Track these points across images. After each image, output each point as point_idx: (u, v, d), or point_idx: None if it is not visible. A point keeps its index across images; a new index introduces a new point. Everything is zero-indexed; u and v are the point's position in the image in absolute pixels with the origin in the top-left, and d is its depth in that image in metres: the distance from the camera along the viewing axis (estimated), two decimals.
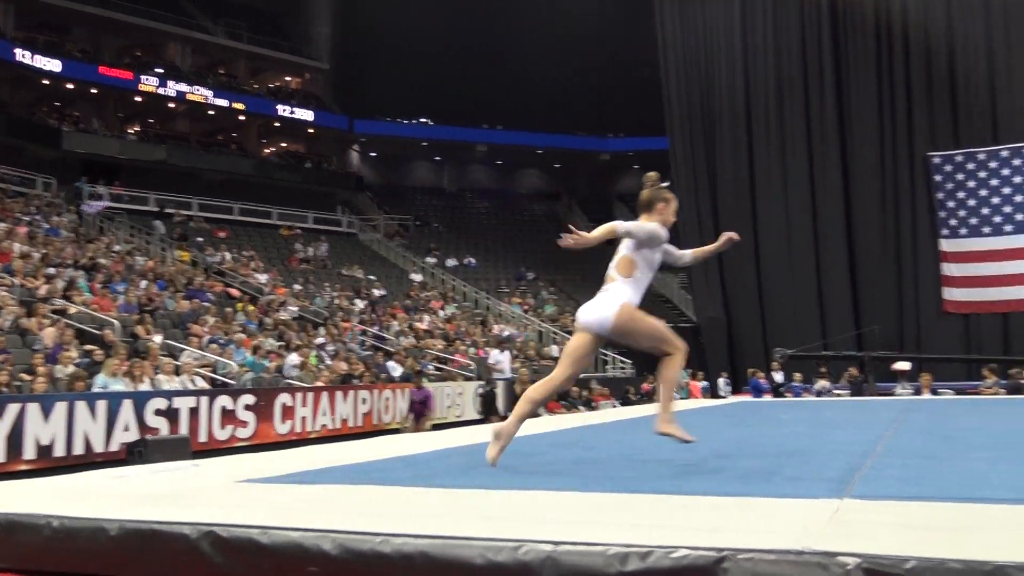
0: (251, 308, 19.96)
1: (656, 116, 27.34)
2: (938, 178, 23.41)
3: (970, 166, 23.24)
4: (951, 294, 23.18)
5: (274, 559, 2.66)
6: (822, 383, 18.25)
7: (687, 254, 4.86)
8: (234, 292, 21.41)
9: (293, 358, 16.49)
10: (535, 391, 4.54)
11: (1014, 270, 22.62)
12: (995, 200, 23.01)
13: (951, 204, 23.36)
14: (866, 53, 24.26)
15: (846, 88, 24.41)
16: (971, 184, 23.22)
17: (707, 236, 25.42)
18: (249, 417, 13.10)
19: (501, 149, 40.80)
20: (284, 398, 13.86)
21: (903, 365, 18.35)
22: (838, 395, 17.04)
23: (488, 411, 17.15)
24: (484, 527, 2.65)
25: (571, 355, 4.49)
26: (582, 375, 22.94)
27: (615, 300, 4.43)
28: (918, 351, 21.64)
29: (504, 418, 4.99)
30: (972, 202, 23.21)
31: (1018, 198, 22.76)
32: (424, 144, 40.49)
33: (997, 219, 22.94)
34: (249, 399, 13.20)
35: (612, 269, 4.55)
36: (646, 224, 4.45)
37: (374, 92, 37.28)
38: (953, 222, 23.31)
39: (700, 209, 25.58)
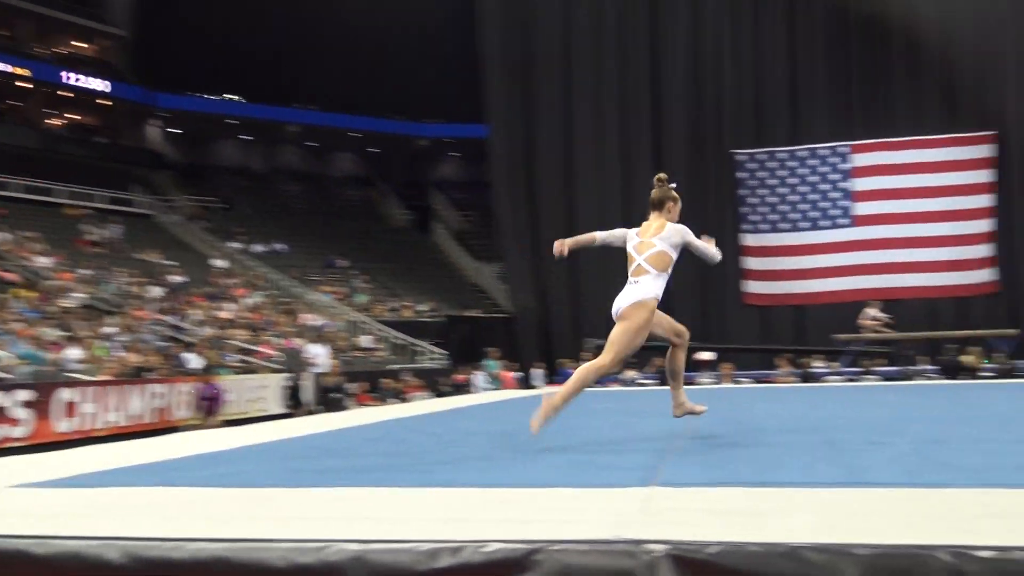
0: (30, 294, 18.56)
1: (476, 102, 27.53)
2: (742, 175, 24.89)
3: (771, 164, 24.85)
4: (751, 287, 24.74)
5: (51, 572, 2.46)
6: (630, 373, 18.95)
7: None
8: (9, 276, 19.84)
9: (74, 350, 15.46)
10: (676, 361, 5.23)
11: (808, 264, 24.41)
12: (793, 198, 24.73)
13: (753, 200, 24.89)
14: (676, 52, 25.39)
15: (660, 85, 25.47)
16: (772, 181, 24.83)
17: (522, 225, 25.91)
18: (25, 414, 12.17)
19: (314, 130, 39.88)
20: (66, 393, 12.97)
21: (706, 355, 19.36)
22: (644, 384, 17.76)
23: (295, 404, 16.76)
24: (287, 528, 2.57)
25: (665, 328, 5.16)
26: (394, 366, 22.83)
27: (643, 292, 5.00)
28: (721, 342, 22.92)
29: (311, 412, 4.92)
30: (772, 199, 24.83)
31: (813, 196, 24.56)
32: (232, 122, 38.97)
33: (794, 216, 24.67)
34: (25, 394, 12.26)
35: (644, 262, 5.05)
36: (689, 235, 5.10)
37: (179, 64, 35.44)
38: (755, 217, 24.86)
39: (516, 199, 26.01)
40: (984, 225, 23.69)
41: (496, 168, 26.44)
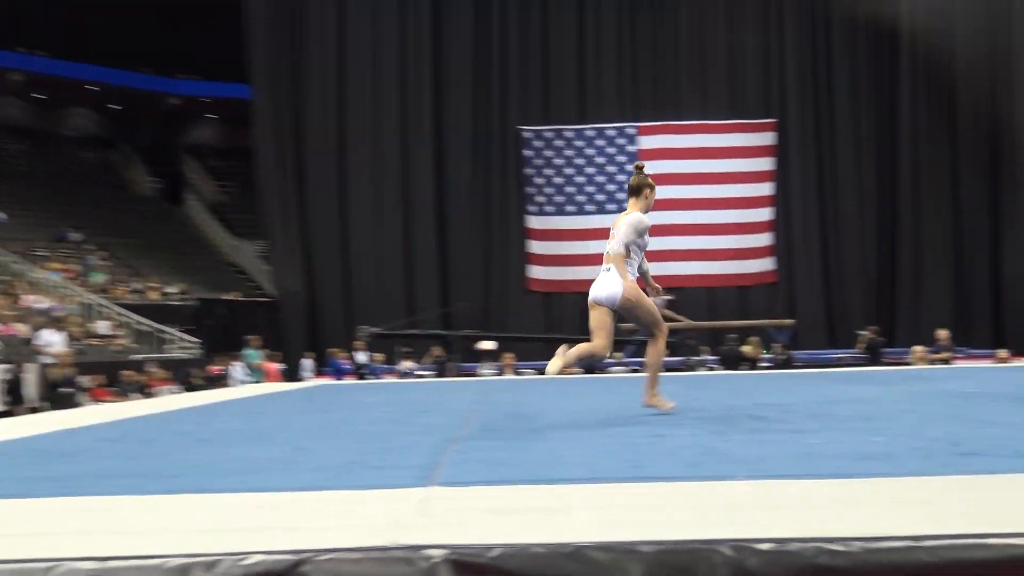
0: None
1: (237, 58, 26.58)
2: (528, 153, 25.53)
3: (558, 143, 25.64)
4: (535, 272, 25.47)
5: None
6: (406, 363, 19.07)
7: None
8: None
9: None
10: (589, 348, 6.10)
11: (594, 249, 25.26)
12: (579, 179, 25.64)
13: (539, 180, 25.61)
14: (460, 19, 25.62)
15: (443, 55, 25.60)
16: (558, 161, 25.64)
17: (289, 199, 25.36)
18: None
19: (42, 80, 37.12)
20: None
21: (488, 344, 19.78)
22: (422, 376, 17.94)
23: (14, 401, 15.68)
24: (5, 547, 2.39)
25: (603, 328, 6.08)
26: (137, 356, 21.90)
27: (618, 284, 6.02)
28: (503, 330, 23.46)
29: (35, 410, 4.65)
30: (559, 180, 25.65)
31: (600, 178, 25.59)
32: None
33: (580, 198, 25.61)
34: None
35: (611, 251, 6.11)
36: (635, 225, 6.07)
37: None
38: (540, 199, 25.59)
39: (282, 169, 25.38)
40: (764, 214, 25.60)
41: (260, 134, 25.68)
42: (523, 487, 3.28)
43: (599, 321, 6.08)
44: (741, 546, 2.33)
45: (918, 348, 17.62)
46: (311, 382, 17.29)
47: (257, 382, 17.10)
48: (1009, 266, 24.94)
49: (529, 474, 3.61)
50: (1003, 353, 18.01)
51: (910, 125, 25.41)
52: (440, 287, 25.17)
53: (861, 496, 2.96)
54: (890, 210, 25.57)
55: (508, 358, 18.02)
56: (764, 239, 25.64)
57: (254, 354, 19.20)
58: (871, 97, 25.70)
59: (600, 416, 6.58)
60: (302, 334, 24.43)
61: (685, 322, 20.84)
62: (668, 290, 21.55)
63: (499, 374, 17.39)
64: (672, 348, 19.90)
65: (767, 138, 25.65)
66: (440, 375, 17.87)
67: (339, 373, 18.91)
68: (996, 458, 3.74)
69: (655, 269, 24.67)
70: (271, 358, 19.83)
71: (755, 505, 2.86)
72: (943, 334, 17.86)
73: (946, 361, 16.89)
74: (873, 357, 18.42)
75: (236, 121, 33.41)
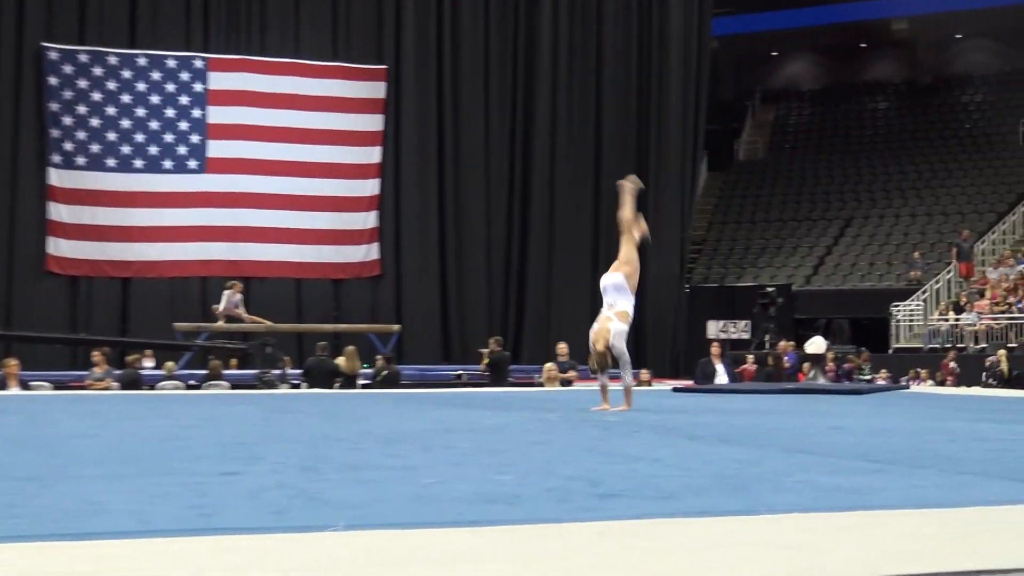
0: None
1: None
2: (54, 81, 24.14)
3: (97, 72, 24.47)
4: (58, 247, 24.16)
5: None
6: None
7: None
8: None
9: None
10: None
11: (142, 221, 24.57)
12: (126, 123, 24.65)
13: (68, 121, 24.28)
14: None
15: None
16: (96, 97, 24.47)
17: None
18: None
19: None
20: None
21: None
22: None
23: None
24: None
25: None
26: None
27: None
28: (8, 326, 22.17)
29: None
30: (96, 122, 24.50)
31: (154, 124, 24.75)
32: None
33: (126, 150, 24.64)
34: None
35: None
36: None
37: None
38: (69, 146, 24.27)
39: None
40: (369, 187, 26.11)
41: None
42: (47, 543, 3.17)
43: None
44: None
45: (550, 365, 18.80)
46: None
47: None
48: (651, 279, 27.24)
49: (55, 525, 3.50)
50: (645, 375, 19.75)
51: (549, 97, 27.08)
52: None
53: (487, 548, 3.15)
54: (522, 193, 27.09)
55: (12, 365, 17.08)
56: (368, 219, 26.08)
57: None
58: (503, 52, 27.06)
59: (147, 448, 6.45)
60: None
61: (263, 324, 20.87)
62: (241, 281, 21.52)
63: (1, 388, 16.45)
64: (245, 358, 19.87)
65: (376, 89, 26.15)
66: None
67: None
68: (641, 500, 4.13)
69: (224, 250, 24.73)
70: None
71: (359, 561, 2.95)
72: (563, 348, 19.14)
73: (570, 381, 18.12)
74: (497, 375, 19.42)
75: None
